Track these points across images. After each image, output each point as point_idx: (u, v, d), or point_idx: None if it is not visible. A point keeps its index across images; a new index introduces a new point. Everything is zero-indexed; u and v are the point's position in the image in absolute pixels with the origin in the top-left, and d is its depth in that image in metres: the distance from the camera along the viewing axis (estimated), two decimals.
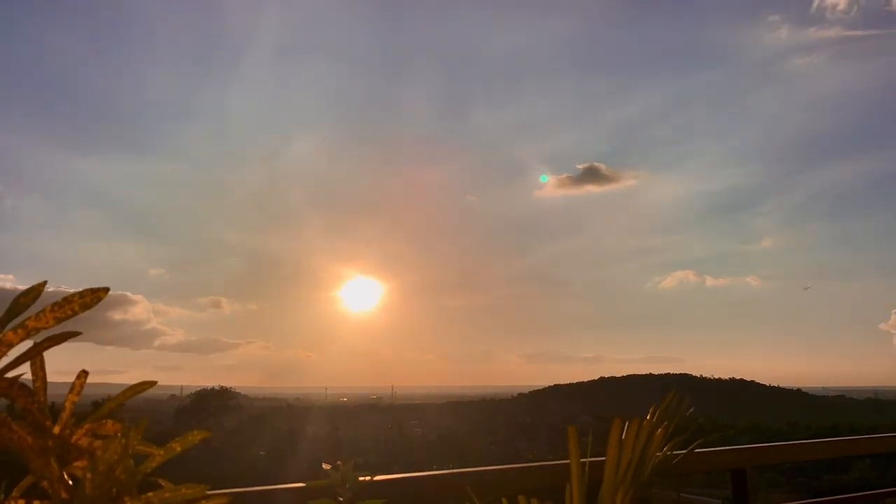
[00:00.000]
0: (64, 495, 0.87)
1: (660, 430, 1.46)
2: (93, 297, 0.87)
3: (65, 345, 0.90)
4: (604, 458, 1.48)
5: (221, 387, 65.95)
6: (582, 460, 1.50)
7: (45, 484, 0.89)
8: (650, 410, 1.51)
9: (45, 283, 0.86)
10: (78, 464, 0.93)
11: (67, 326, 0.92)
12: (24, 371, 0.92)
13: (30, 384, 0.93)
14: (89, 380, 1.02)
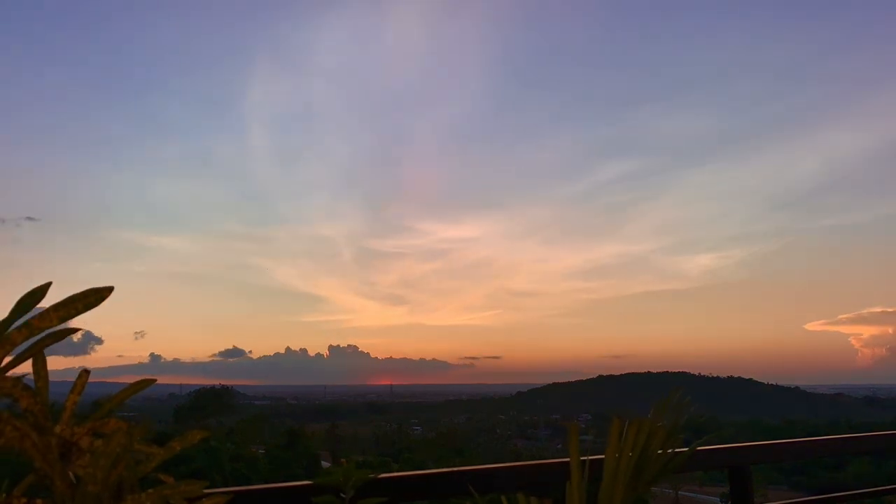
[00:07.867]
0: (67, 492, 0.87)
1: (660, 428, 1.46)
2: (96, 296, 0.87)
3: None
4: (604, 457, 1.48)
5: (222, 385, 65.38)
6: (582, 458, 1.50)
7: (47, 482, 0.89)
8: (652, 408, 1.50)
9: (49, 283, 0.87)
10: (80, 462, 0.94)
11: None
12: (28, 371, 0.92)
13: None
14: (94, 378, 1.02)
